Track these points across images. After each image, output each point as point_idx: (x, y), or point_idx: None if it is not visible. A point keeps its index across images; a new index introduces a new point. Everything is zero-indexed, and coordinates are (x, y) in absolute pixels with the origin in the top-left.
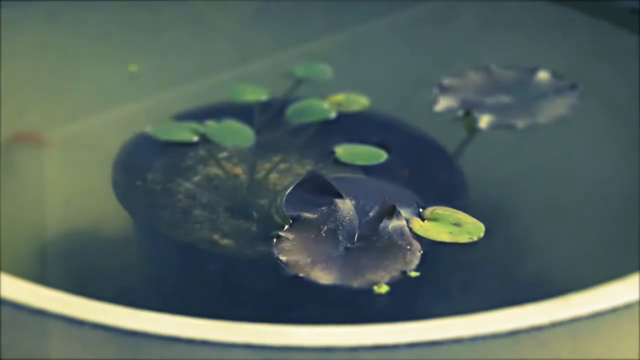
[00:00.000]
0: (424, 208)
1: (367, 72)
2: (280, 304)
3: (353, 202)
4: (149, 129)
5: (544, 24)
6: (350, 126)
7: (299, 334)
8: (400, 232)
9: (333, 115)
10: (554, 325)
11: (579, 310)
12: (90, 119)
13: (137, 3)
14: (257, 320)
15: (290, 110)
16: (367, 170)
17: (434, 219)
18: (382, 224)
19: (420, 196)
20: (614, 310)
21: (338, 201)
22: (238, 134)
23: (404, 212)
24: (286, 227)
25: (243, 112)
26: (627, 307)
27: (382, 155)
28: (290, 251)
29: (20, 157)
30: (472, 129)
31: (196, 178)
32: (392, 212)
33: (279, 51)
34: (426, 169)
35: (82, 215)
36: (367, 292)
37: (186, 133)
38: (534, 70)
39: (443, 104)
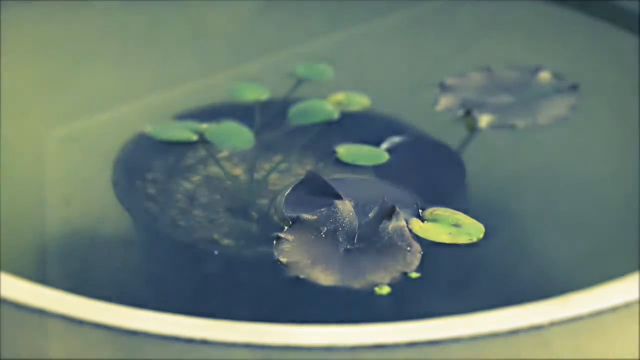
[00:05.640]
0: (423, 209)
1: (368, 72)
2: (281, 305)
3: (353, 203)
4: (149, 129)
5: (544, 24)
6: (351, 126)
7: (299, 334)
8: (400, 234)
9: (336, 116)
10: (553, 325)
11: (579, 310)
12: (90, 119)
13: (137, 3)
14: (257, 321)
15: (293, 111)
16: (367, 170)
17: (433, 220)
18: (382, 225)
19: (420, 197)
20: (614, 310)
21: (338, 202)
22: (238, 136)
23: (404, 213)
24: (286, 228)
25: (243, 112)
26: (627, 307)
27: (383, 156)
28: (291, 252)
29: (21, 156)
30: (473, 129)
31: (196, 178)
32: (392, 213)
33: (279, 51)
34: (426, 169)
35: (82, 215)
36: (368, 293)
37: (186, 133)
38: (534, 70)
39: (444, 104)
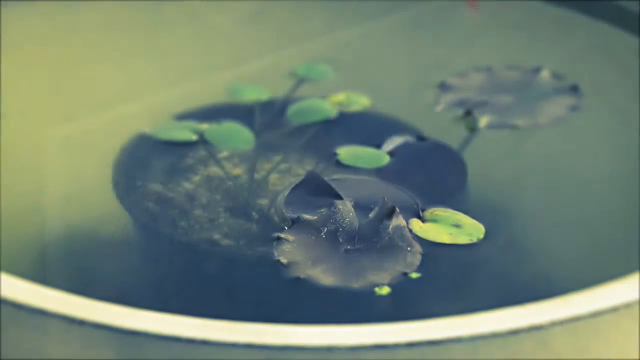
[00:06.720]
0: (424, 209)
1: (368, 72)
2: (281, 305)
3: (353, 203)
4: (149, 129)
5: (544, 24)
6: (351, 126)
7: (299, 334)
8: (400, 234)
9: (334, 115)
10: (554, 324)
11: (579, 310)
12: (90, 119)
13: (137, 3)
14: (257, 321)
15: (292, 110)
16: (367, 170)
17: (433, 220)
18: (382, 225)
19: (420, 197)
20: (614, 310)
21: (338, 202)
22: (237, 137)
23: (404, 214)
24: (286, 228)
25: (243, 112)
26: (627, 306)
27: (384, 158)
28: (291, 253)
29: (21, 156)
30: (473, 129)
31: (196, 178)
32: (392, 214)
33: (279, 51)
34: (426, 169)
35: (82, 215)
36: (368, 293)
37: (186, 133)
38: (534, 70)
39: (444, 103)
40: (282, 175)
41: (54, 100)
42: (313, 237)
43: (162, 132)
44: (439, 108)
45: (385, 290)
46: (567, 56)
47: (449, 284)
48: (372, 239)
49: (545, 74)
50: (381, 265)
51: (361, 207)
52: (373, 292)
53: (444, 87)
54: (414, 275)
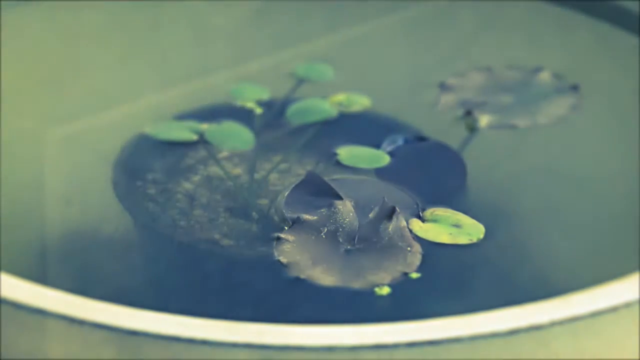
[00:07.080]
0: (424, 209)
1: (368, 72)
2: (281, 305)
3: (353, 203)
4: (149, 129)
5: (544, 24)
6: (351, 126)
7: (299, 334)
8: (400, 234)
9: (334, 115)
10: (553, 324)
11: (579, 310)
12: (90, 119)
13: (137, 3)
14: (257, 321)
15: (291, 110)
16: (367, 170)
17: (433, 220)
18: (382, 226)
19: (420, 197)
20: (614, 310)
21: (338, 202)
22: (237, 137)
23: (404, 214)
24: (286, 228)
25: (243, 113)
26: (627, 306)
27: (384, 158)
28: (291, 253)
29: (21, 156)
30: (473, 129)
31: (196, 178)
32: (392, 214)
33: (279, 51)
34: (427, 169)
35: (82, 215)
36: (368, 293)
37: (186, 133)
38: (535, 70)
39: (444, 103)
40: (282, 175)
41: (54, 100)
42: (313, 237)
43: (162, 132)
44: (439, 108)
45: (385, 290)
46: (567, 56)
47: (449, 284)
48: (372, 239)
49: (545, 74)
50: (381, 265)
51: (361, 207)
52: (373, 292)
53: (444, 87)
54: (414, 275)
